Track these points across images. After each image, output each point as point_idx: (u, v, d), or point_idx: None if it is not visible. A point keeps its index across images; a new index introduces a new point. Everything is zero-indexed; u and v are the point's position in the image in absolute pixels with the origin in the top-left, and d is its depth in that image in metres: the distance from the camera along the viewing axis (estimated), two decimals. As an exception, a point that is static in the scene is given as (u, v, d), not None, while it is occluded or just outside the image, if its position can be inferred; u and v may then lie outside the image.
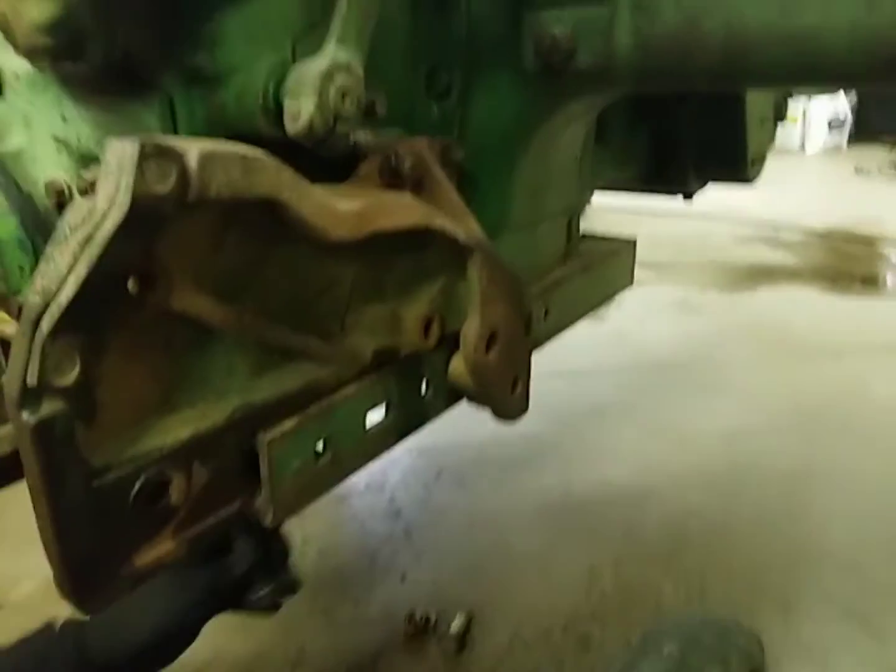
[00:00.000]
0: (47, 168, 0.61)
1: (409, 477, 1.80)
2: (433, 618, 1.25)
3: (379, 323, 0.78)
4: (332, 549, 1.50)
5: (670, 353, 2.70)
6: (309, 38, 0.66)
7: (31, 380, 0.45)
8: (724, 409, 2.16)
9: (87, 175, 0.55)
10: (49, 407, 0.46)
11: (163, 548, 0.57)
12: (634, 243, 1.40)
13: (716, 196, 2.12)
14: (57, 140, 0.60)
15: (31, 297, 0.45)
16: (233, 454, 0.62)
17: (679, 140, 1.44)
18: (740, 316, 3.14)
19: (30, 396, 0.46)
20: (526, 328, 0.90)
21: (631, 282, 1.45)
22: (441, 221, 0.70)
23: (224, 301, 0.59)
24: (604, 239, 1.41)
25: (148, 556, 0.56)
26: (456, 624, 1.22)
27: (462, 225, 0.73)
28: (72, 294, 0.44)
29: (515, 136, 0.92)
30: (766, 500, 1.62)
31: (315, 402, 0.69)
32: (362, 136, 0.74)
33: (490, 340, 0.79)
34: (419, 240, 0.75)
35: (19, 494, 1.41)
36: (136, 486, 0.53)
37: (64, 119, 0.61)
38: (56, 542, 0.49)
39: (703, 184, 1.55)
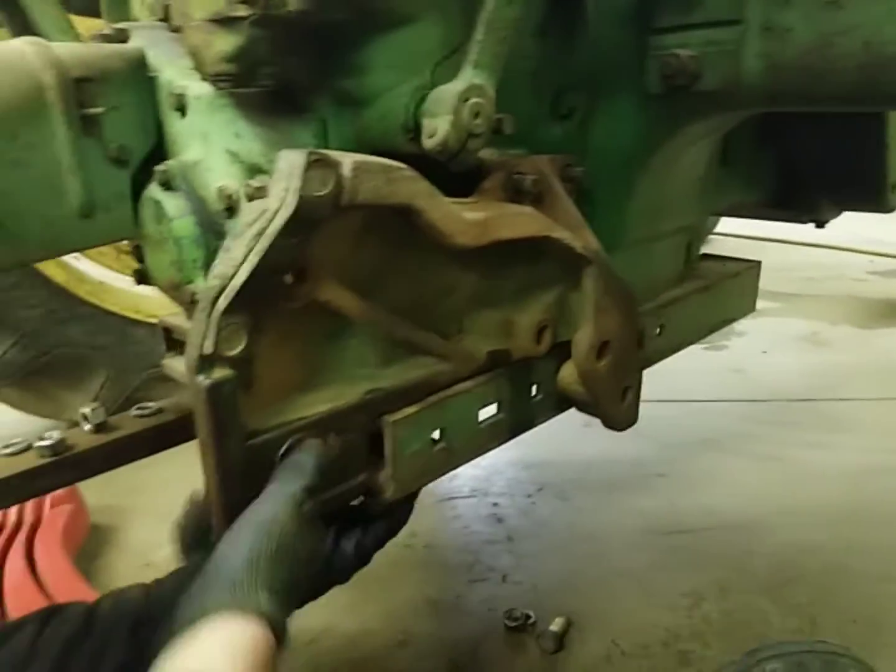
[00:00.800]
0: (219, 177, 0.70)
1: (512, 487, 1.83)
2: (533, 616, 1.28)
3: (494, 327, 0.83)
4: (437, 546, 1.56)
5: (794, 387, 2.59)
6: (447, 63, 0.73)
7: (207, 349, 0.54)
8: (850, 446, 2.05)
9: (254, 183, 0.64)
10: (219, 373, 0.55)
11: (297, 508, 0.64)
12: (759, 265, 1.37)
13: (852, 224, 2.00)
14: (229, 153, 0.70)
15: (211, 281, 0.55)
16: (362, 431, 0.69)
17: (810, 163, 1.34)
18: (873, 354, 2.95)
19: (205, 363, 0.54)
20: (638, 342, 0.93)
21: (753, 307, 1.42)
22: (560, 233, 0.75)
23: (360, 296, 0.66)
24: (726, 259, 1.40)
25: (285, 513, 0.63)
26: (556, 624, 1.25)
27: (579, 237, 0.78)
28: (244, 278, 0.53)
29: (635, 157, 0.95)
30: (891, 543, 1.54)
31: (433, 395, 0.76)
32: (488, 153, 0.80)
33: (601, 349, 0.83)
34: (536, 251, 0.81)
35: (162, 475, 1.56)
36: (283, 449, 0.62)
37: (237, 135, 0.71)
38: (218, 491, 0.58)
39: (837, 211, 1.46)
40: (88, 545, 1.60)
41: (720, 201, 1.31)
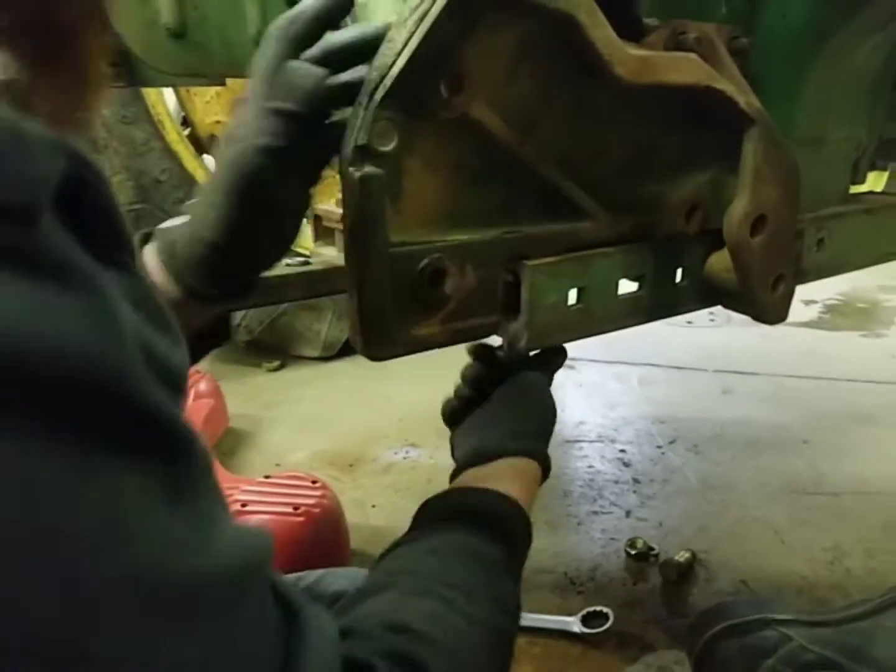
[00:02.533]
0: (386, 15, 0.72)
1: (642, 437, 1.77)
2: (657, 549, 1.24)
3: (644, 196, 0.81)
4: (560, 478, 1.54)
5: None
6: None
7: (361, 140, 0.55)
8: None
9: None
10: (371, 167, 0.56)
11: (432, 329, 0.65)
12: (935, 203, 1.25)
13: None
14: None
15: (370, 74, 0.56)
16: (499, 269, 0.69)
17: None
18: None
19: (358, 155, 0.56)
20: (797, 234, 0.87)
21: (924, 248, 1.30)
22: (724, 84, 0.71)
23: (511, 128, 0.66)
24: (893, 194, 1.29)
25: (421, 330, 0.64)
26: (681, 555, 1.19)
27: (744, 94, 0.73)
28: (403, 64, 0.54)
29: (808, 39, 0.89)
30: None
31: (574, 252, 0.74)
32: (651, 20, 0.77)
33: (756, 223, 0.78)
34: (696, 118, 0.77)
35: (298, 393, 1.65)
36: (422, 264, 0.62)
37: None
38: (358, 290, 0.60)
39: None
40: (225, 443, 1.71)
41: (891, 124, 1.20)
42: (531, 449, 0.67)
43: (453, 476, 0.67)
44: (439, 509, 0.60)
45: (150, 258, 0.60)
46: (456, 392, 0.79)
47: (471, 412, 0.75)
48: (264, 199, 0.56)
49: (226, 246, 0.57)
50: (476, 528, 0.56)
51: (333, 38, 0.56)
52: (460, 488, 0.63)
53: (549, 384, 0.79)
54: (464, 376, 0.79)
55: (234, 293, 0.62)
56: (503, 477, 0.63)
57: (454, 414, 0.78)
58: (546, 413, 0.74)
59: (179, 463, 0.28)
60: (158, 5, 0.75)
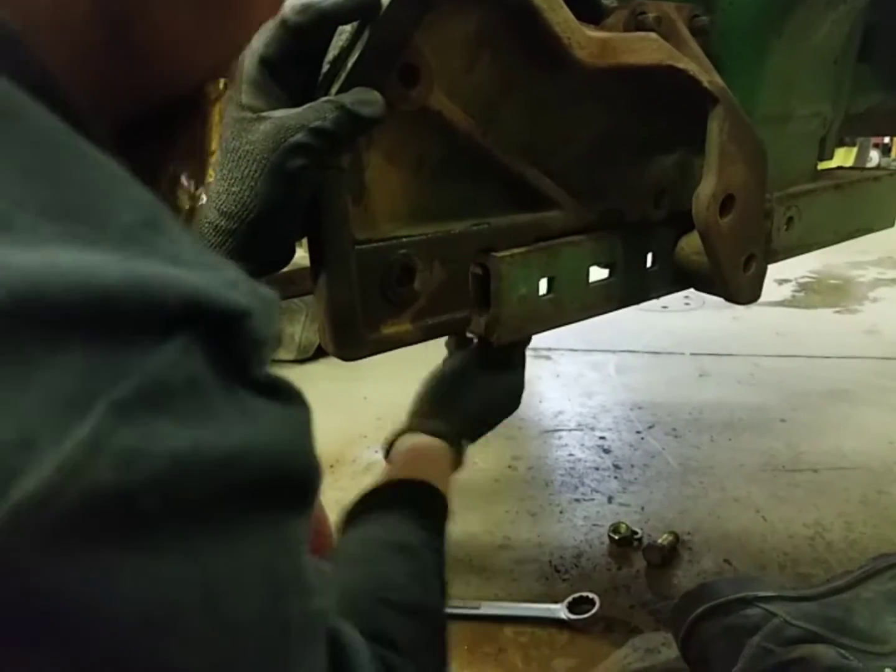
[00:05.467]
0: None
1: (621, 424, 1.78)
2: (640, 533, 1.24)
3: (611, 182, 0.80)
4: (541, 468, 1.54)
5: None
6: None
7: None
8: None
9: None
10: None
11: (403, 327, 0.64)
12: (899, 175, 1.26)
13: None
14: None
15: (324, 67, 0.55)
16: (467, 263, 0.68)
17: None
18: None
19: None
20: (766, 214, 0.87)
21: (892, 222, 1.31)
22: (686, 64, 0.71)
23: (473, 118, 0.65)
24: (862, 169, 1.30)
25: (391, 329, 0.63)
26: (663, 539, 1.20)
27: (707, 75, 0.73)
28: (356, 57, 0.52)
29: (769, 15, 0.88)
30: None
31: (543, 242, 0.74)
32: (609, 1, 0.77)
33: (725, 204, 0.78)
34: (660, 100, 0.76)
35: (310, 376, 1.63)
36: (390, 259, 0.61)
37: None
38: (325, 291, 0.58)
39: None
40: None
41: (858, 100, 1.21)
42: (443, 432, 0.74)
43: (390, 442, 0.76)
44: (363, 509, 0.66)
45: None
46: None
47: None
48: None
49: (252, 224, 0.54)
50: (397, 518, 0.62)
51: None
52: (384, 484, 0.68)
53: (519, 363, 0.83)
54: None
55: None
56: (419, 459, 0.72)
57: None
58: (486, 400, 0.79)
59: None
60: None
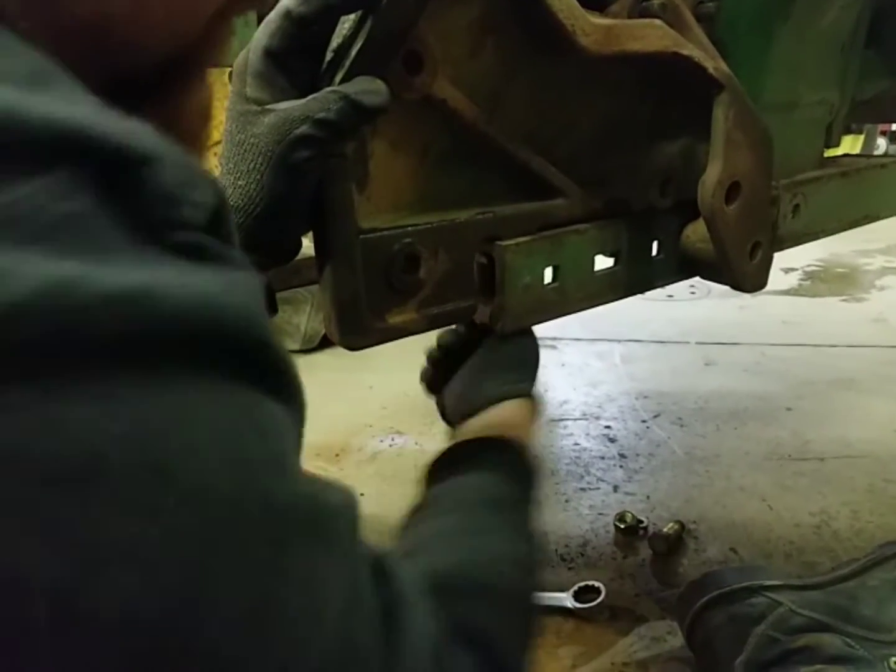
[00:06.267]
0: None
1: (626, 413, 1.77)
2: (645, 522, 1.24)
3: (616, 170, 0.80)
4: (546, 457, 1.54)
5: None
6: None
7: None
8: None
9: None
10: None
11: (408, 316, 0.64)
12: (909, 162, 1.25)
13: None
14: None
15: (328, 55, 0.54)
16: (472, 252, 0.68)
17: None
18: None
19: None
20: (772, 200, 0.86)
21: (900, 209, 1.30)
22: (690, 50, 0.70)
23: (477, 105, 0.64)
24: (869, 156, 1.29)
25: (397, 318, 0.63)
26: (669, 527, 1.20)
27: (712, 61, 0.72)
28: (359, 46, 0.52)
29: (775, 1, 0.88)
30: None
31: (548, 231, 0.73)
32: (614, -13, 0.76)
33: (731, 191, 0.77)
34: (665, 87, 0.76)
35: (315, 365, 1.63)
36: (394, 250, 0.61)
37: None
38: (330, 281, 0.59)
39: None
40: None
41: (865, 86, 1.20)
42: (519, 390, 0.70)
43: (452, 434, 0.69)
44: (447, 464, 0.61)
45: None
46: (430, 357, 0.80)
47: (450, 376, 0.76)
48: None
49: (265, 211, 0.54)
50: (487, 473, 0.58)
51: None
52: (462, 442, 0.64)
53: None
54: (439, 342, 0.80)
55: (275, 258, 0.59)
56: (499, 421, 0.66)
57: (433, 380, 0.79)
58: (527, 355, 0.75)
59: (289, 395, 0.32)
60: None
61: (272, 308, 0.67)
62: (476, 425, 0.66)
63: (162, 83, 0.36)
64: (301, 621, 0.27)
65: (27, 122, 0.22)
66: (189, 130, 0.39)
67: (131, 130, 0.25)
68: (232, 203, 0.53)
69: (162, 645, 0.22)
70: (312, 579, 0.28)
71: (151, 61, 0.35)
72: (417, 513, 0.56)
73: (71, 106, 0.24)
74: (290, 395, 0.31)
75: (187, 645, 0.23)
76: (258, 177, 0.52)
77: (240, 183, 0.53)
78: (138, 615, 0.22)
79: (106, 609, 0.21)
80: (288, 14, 0.50)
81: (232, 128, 0.53)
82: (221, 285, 0.25)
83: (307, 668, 0.27)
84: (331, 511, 0.31)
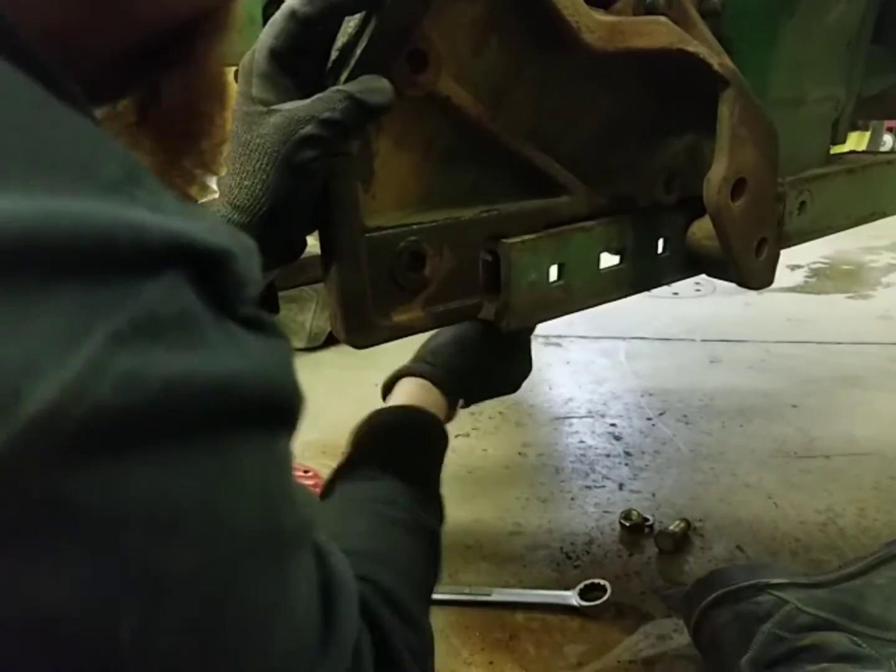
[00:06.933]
0: None
1: (631, 411, 1.77)
2: (651, 520, 1.24)
3: (621, 167, 0.80)
4: (551, 455, 1.54)
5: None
6: None
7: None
8: None
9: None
10: (338, 149, 0.55)
11: (414, 314, 0.64)
12: (917, 160, 1.24)
13: None
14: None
15: (332, 54, 0.54)
16: (477, 249, 0.68)
17: None
18: None
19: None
20: (778, 198, 0.86)
21: (906, 206, 1.29)
22: (696, 47, 0.70)
23: (482, 103, 0.64)
24: (875, 153, 1.29)
25: (402, 316, 0.63)
26: (675, 525, 1.20)
27: (717, 58, 0.72)
28: (364, 44, 0.52)
29: (781, -2, 0.87)
30: None
31: (552, 228, 0.73)
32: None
33: (736, 187, 0.77)
34: (670, 84, 0.76)
35: (321, 363, 1.63)
36: (399, 248, 0.61)
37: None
38: (335, 279, 0.59)
39: None
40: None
41: (871, 81, 1.19)
42: (440, 381, 0.80)
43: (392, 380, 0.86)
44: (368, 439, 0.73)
45: None
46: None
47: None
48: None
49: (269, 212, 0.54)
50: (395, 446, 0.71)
51: None
52: (380, 413, 0.78)
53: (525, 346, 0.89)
54: None
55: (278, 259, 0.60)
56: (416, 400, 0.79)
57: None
58: (487, 370, 0.84)
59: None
60: None
61: (274, 308, 0.68)
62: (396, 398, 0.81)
63: (183, 45, 0.39)
64: (296, 614, 0.35)
65: (151, 232, 0.27)
66: (209, 90, 0.42)
67: (214, 230, 0.30)
68: (238, 203, 0.54)
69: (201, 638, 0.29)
70: (301, 579, 0.36)
71: (174, 24, 0.37)
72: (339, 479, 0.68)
73: (174, 217, 0.28)
74: (297, 422, 0.36)
75: (216, 642, 0.30)
76: (264, 177, 0.52)
77: (245, 183, 0.53)
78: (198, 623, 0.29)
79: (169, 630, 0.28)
80: (293, 15, 0.51)
81: (238, 128, 0.53)
82: (274, 357, 0.32)
83: (290, 641, 0.35)
84: (311, 523, 0.38)
